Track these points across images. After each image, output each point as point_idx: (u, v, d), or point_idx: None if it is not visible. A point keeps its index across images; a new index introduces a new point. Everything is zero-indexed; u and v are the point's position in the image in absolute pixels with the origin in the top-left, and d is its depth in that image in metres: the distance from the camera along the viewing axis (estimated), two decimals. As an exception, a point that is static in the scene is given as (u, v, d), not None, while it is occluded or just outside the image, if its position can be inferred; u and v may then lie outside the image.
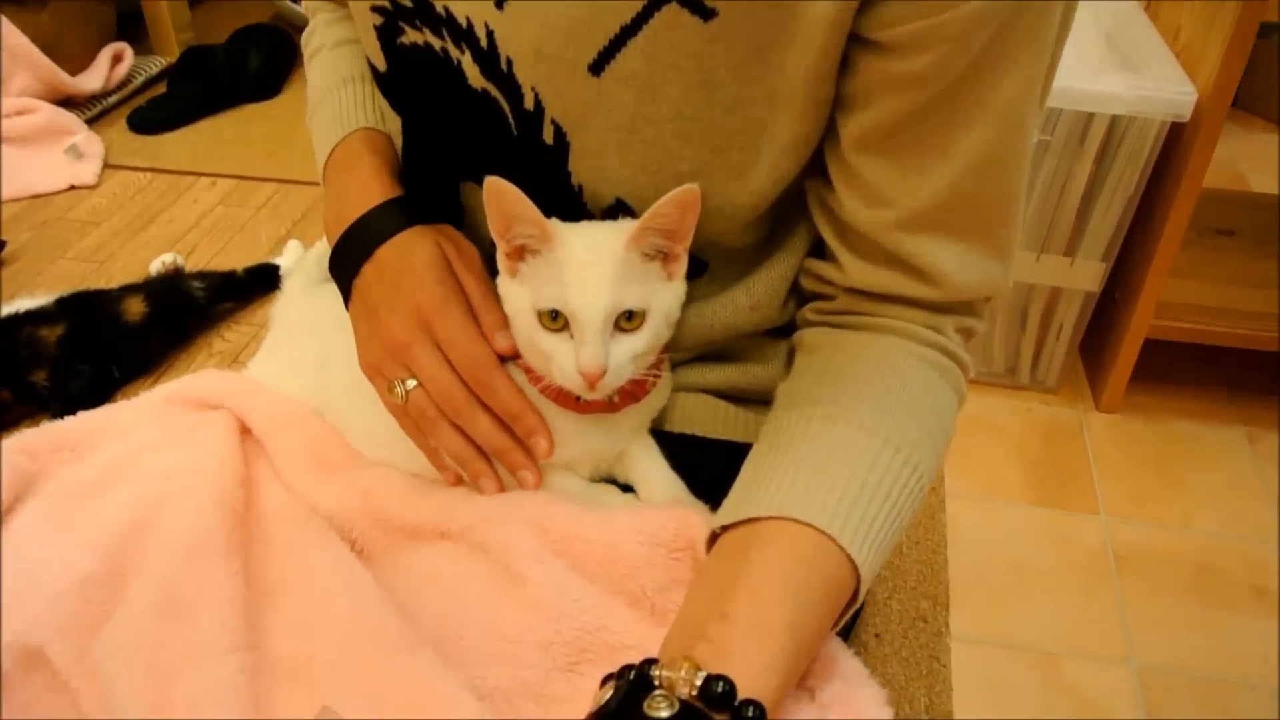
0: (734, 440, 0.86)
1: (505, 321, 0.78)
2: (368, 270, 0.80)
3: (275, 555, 0.77)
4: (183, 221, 2.36)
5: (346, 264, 0.82)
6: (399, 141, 0.88)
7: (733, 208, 0.76)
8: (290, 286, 1.05)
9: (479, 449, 0.78)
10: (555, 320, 0.72)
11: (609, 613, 0.71)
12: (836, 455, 0.69)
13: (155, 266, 2.11)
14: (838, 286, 0.81)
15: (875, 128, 0.71)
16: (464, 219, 0.87)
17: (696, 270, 0.83)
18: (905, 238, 0.74)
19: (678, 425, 0.87)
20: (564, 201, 0.76)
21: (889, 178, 0.72)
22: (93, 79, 2.88)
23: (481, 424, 0.77)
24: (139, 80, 3.02)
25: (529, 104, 0.74)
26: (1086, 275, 1.85)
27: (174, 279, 2.03)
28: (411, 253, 0.79)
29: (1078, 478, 1.84)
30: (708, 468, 0.80)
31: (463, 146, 0.83)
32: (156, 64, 3.09)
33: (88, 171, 2.53)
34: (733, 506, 0.70)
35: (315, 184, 2.31)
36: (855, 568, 0.65)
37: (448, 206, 0.87)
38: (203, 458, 0.82)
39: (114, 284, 1.98)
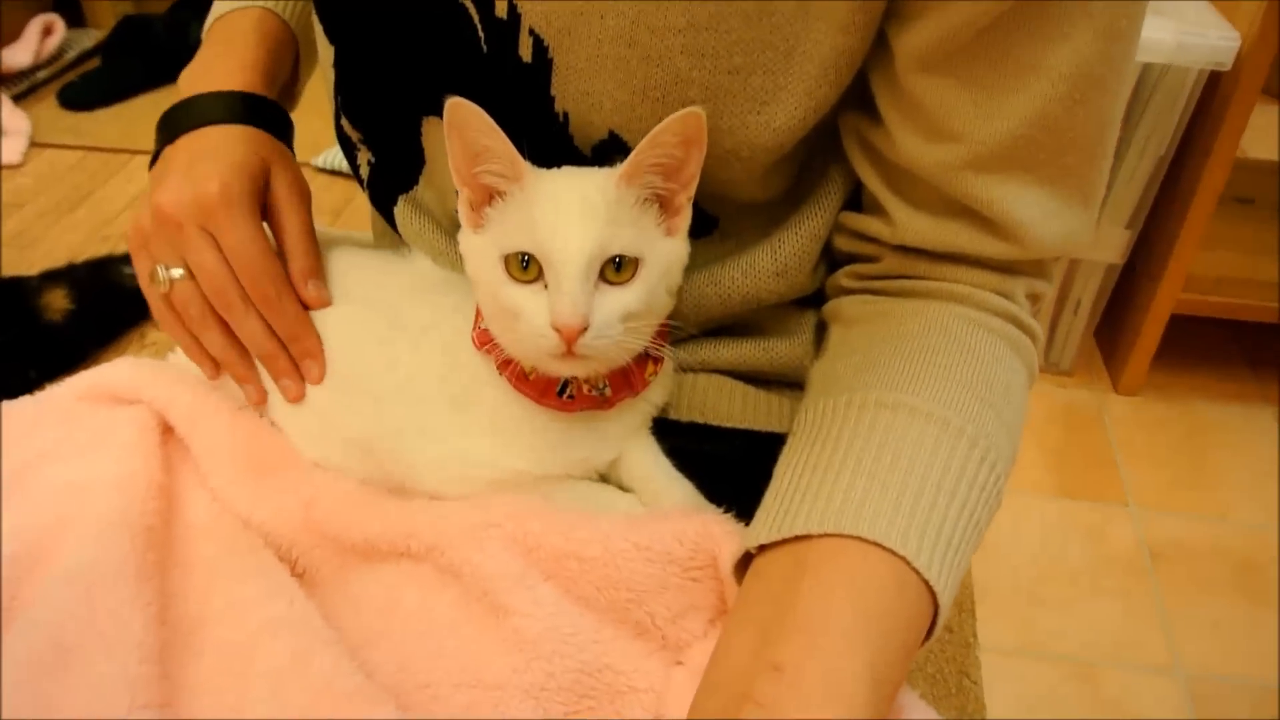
0: (754, 429, 0.79)
1: (320, 270, 0.76)
2: (181, 141, 0.76)
3: (198, 583, 0.68)
4: (116, 202, 2.27)
5: (170, 129, 0.77)
6: (330, 76, 0.80)
7: (751, 149, 0.67)
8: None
9: (243, 350, 0.75)
10: (526, 269, 0.63)
11: (613, 648, 0.63)
12: (902, 453, 0.61)
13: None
14: (884, 245, 0.73)
15: (943, 40, 0.61)
16: (423, 166, 0.79)
17: (704, 227, 0.75)
18: (976, 180, 0.65)
19: (686, 412, 0.78)
20: (545, 135, 0.67)
21: (959, 104, 0.63)
22: (20, 53, 2.81)
23: (251, 325, 0.73)
24: (71, 54, 2.95)
25: (501, 10, 0.65)
26: (1110, 245, 1.74)
27: (102, 265, 1.87)
28: (229, 146, 0.75)
29: (1102, 466, 1.75)
30: (723, 462, 0.72)
31: (420, 71, 0.73)
32: (90, 37, 3.02)
33: (12, 149, 2.48)
34: (772, 520, 0.61)
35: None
36: (934, 597, 0.57)
37: (402, 151, 0.79)
38: (111, 465, 0.73)
39: (35, 270, 1.84)
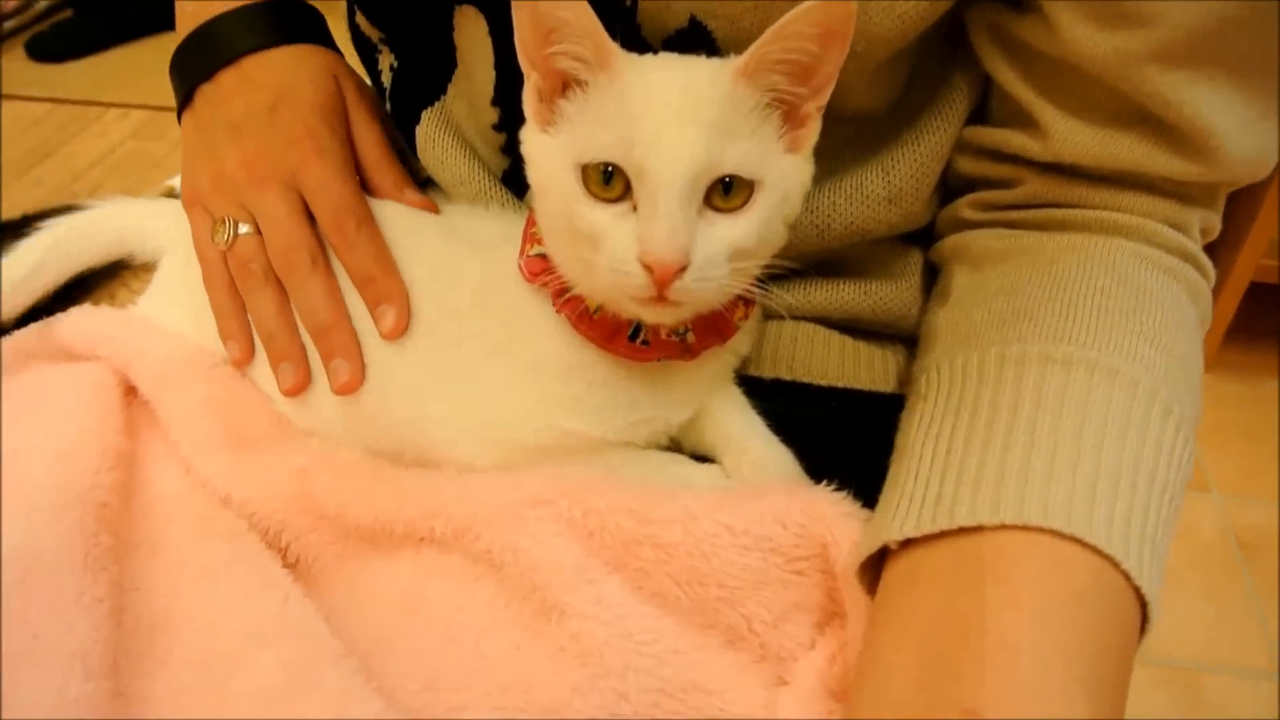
0: (853, 388, 0.71)
1: (406, 179, 0.72)
2: (227, 78, 0.71)
3: (163, 574, 0.60)
4: (85, 157, 2.24)
5: (198, 62, 0.72)
6: None
7: (869, 40, 0.60)
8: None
9: (294, 326, 0.68)
10: (609, 185, 0.54)
11: (699, 660, 0.55)
12: (1088, 421, 0.52)
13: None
14: (1028, 165, 0.65)
15: None
16: (453, 69, 0.72)
17: None
18: (1163, 77, 0.58)
19: (770, 367, 0.71)
20: (603, 20, 0.58)
21: None
22: None
23: (315, 287, 0.67)
24: (41, 4, 2.90)
25: None
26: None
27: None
28: (299, 78, 0.70)
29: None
30: (816, 427, 0.66)
31: None
32: None
33: None
34: (920, 505, 0.52)
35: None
36: (1143, 604, 0.49)
37: (431, 51, 0.72)
38: (56, 429, 0.65)
39: (-4, 227, 1.75)
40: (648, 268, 0.52)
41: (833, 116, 0.65)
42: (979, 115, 0.69)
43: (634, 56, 0.56)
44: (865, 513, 0.56)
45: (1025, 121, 0.64)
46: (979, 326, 0.61)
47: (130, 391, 0.70)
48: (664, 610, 0.56)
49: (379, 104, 0.74)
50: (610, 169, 0.53)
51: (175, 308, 0.74)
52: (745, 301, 0.61)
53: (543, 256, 0.60)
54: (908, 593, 0.51)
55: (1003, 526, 0.49)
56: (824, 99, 0.56)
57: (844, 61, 0.58)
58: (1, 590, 0.55)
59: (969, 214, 0.69)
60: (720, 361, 0.66)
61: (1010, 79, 0.64)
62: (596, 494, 0.58)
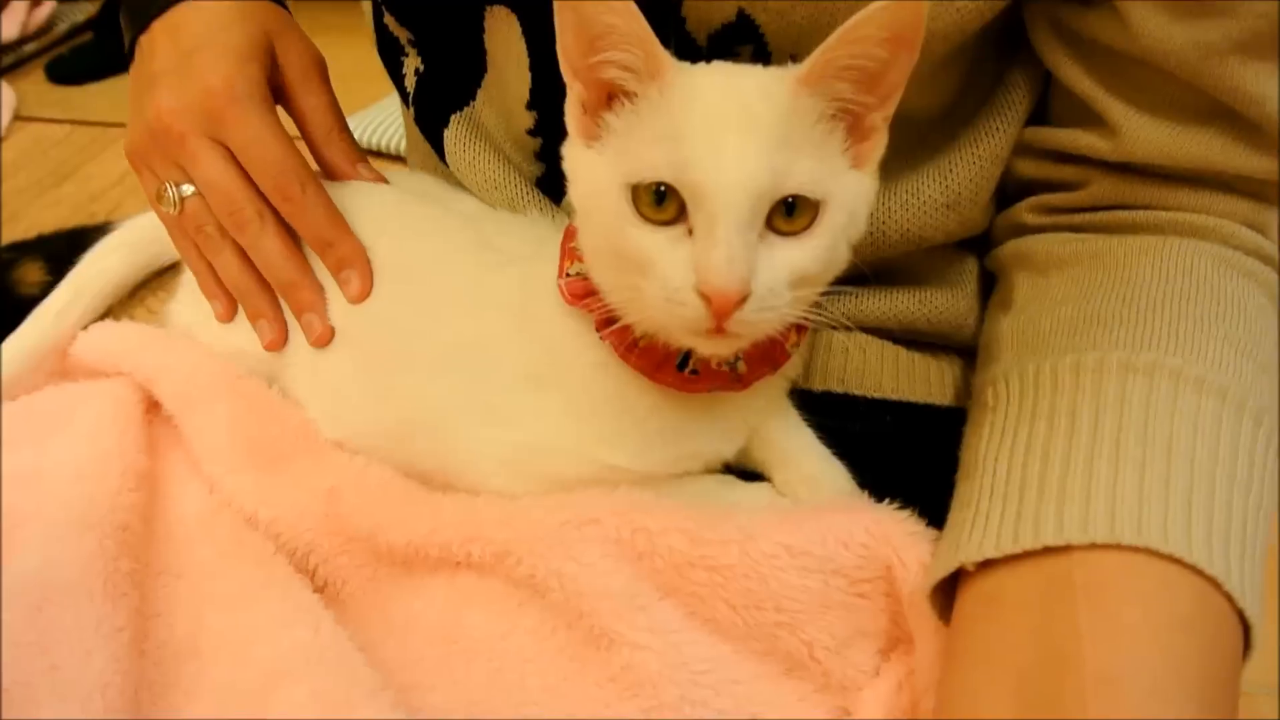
0: (908, 400, 0.69)
1: (358, 153, 0.71)
2: (157, 29, 0.69)
3: (187, 600, 0.59)
4: (104, 178, 2.20)
5: (135, 13, 0.70)
6: None
7: (929, 35, 0.56)
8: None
9: (262, 280, 0.67)
10: (662, 206, 0.50)
11: (759, 691, 0.53)
12: (1179, 434, 0.50)
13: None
14: (1096, 166, 0.63)
15: None
16: (483, 74, 0.70)
17: None
18: (1244, 69, 0.55)
19: (822, 380, 0.68)
20: (654, 25, 0.55)
21: None
22: (7, 25, 2.71)
23: (269, 246, 0.66)
24: (62, 27, 2.86)
25: None
26: None
27: (77, 235, 1.77)
28: (222, 24, 0.68)
29: None
30: (869, 441, 0.63)
31: None
32: (82, 11, 2.93)
33: None
34: (998, 523, 0.50)
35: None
36: (1246, 627, 0.47)
37: (460, 54, 0.70)
38: (75, 448, 0.64)
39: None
40: (706, 298, 0.48)
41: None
42: (1039, 116, 0.67)
43: (687, 66, 0.52)
44: (933, 532, 0.53)
45: (1092, 120, 0.61)
46: (1047, 334, 0.58)
47: (152, 408, 0.68)
48: (720, 637, 0.53)
49: (323, 64, 0.73)
50: (663, 189, 0.49)
51: (201, 313, 0.72)
52: (798, 327, 0.57)
53: (584, 277, 0.56)
54: (992, 619, 0.48)
55: (1094, 546, 0.46)
56: (890, 109, 0.52)
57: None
58: (17, 617, 0.53)
59: (1029, 218, 0.66)
60: (773, 388, 0.62)
61: (1075, 76, 0.61)
62: (646, 513, 0.55)
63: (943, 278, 0.69)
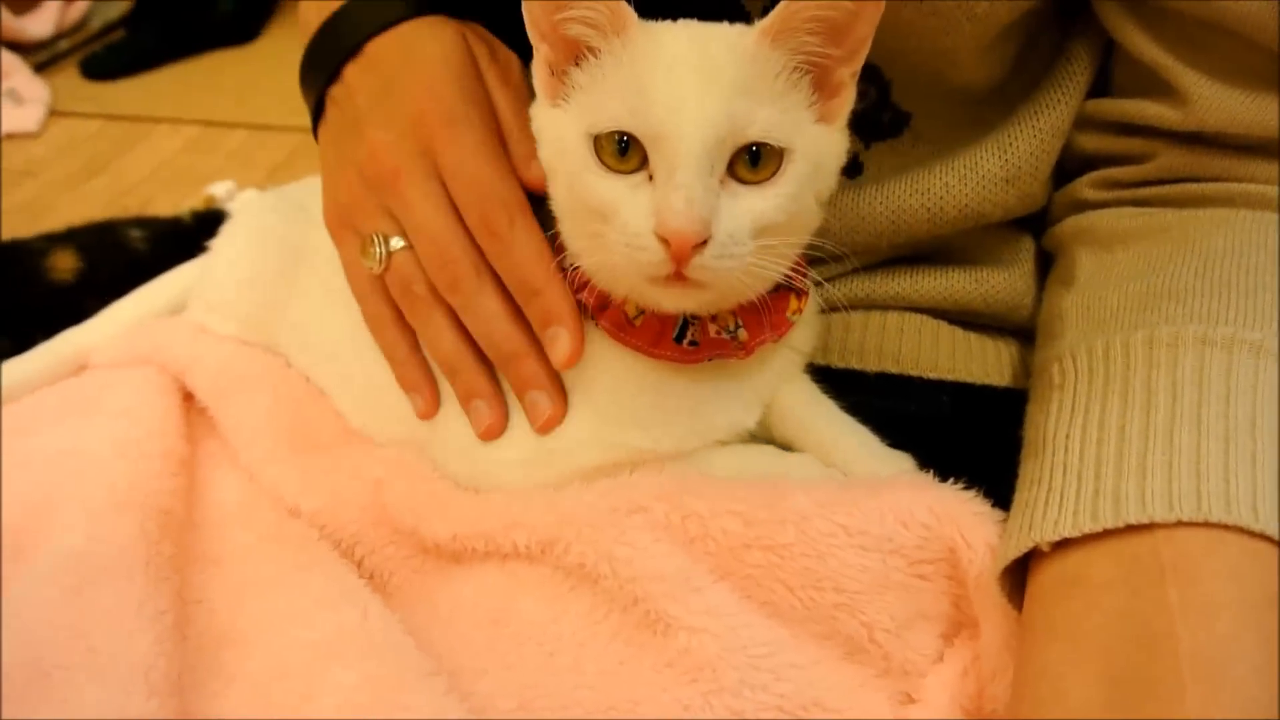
0: (965, 381, 0.67)
1: (535, 153, 0.62)
2: (350, 73, 0.62)
3: (226, 586, 0.57)
4: (136, 172, 2.22)
5: (321, 66, 0.63)
6: None
7: (970, 15, 0.57)
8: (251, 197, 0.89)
9: (478, 351, 0.59)
10: (625, 155, 0.50)
11: (819, 674, 0.51)
12: (1261, 409, 0.49)
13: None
14: (1163, 138, 0.61)
15: None
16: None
17: (893, 126, 0.65)
18: None
19: (876, 360, 0.67)
20: None
21: None
22: (41, 22, 2.73)
23: (486, 308, 0.58)
24: (95, 24, 2.88)
25: None
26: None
27: (107, 227, 1.78)
28: (420, 43, 0.61)
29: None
30: (925, 423, 0.62)
31: None
32: (115, 9, 2.95)
33: (28, 118, 2.41)
34: (1075, 502, 0.48)
35: (297, 129, 2.16)
36: None
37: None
38: (116, 427, 0.62)
39: (46, 242, 1.75)
40: (664, 241, 0.47)
41: (944, 92, 0.62)
42: (1098, 88, 0.65)
43: (650, 23, 0.52)
44: (999, 513, 0.51)
45: (1160, 89, 0.60)
46: (1115, 310, 0.57)
47: (188, 398, 0.67)
48: (778, 620, 0.52)
49: (519, 68, 0.65)
50: (626, 139, 0.49)
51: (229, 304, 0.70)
52: (796, 293, 0.57)
53: (577, 269, 0.56)
54: (1072, 600, 0.46)
55: (1180, 524, 0.45)
56: (858, 64, 0.52)
57: (965, 28, 0.55)
58: (53, 600, 0.52)
59: (1090, 194, 0.65)
60: (783, 359, 0.61)
61: (1142, 43, 0.60)
62: (695, 497, 0.54)
63: (999, 257, 0.68)
